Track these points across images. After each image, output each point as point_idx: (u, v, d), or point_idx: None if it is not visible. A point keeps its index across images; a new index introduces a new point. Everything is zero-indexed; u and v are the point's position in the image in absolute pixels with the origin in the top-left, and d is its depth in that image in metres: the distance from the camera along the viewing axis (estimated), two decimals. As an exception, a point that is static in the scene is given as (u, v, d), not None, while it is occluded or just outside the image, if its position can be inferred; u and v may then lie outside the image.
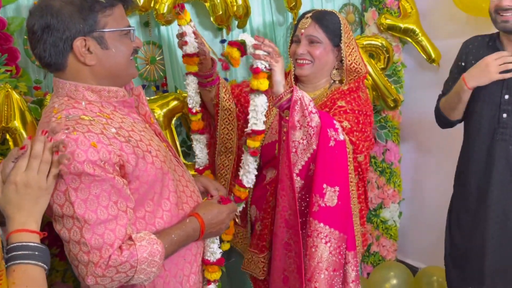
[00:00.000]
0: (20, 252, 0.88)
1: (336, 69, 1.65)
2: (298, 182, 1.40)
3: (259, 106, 1.35)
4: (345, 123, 1.47)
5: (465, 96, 1.77)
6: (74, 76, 1.13)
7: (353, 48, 1.63)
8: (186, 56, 1.54)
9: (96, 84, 1.14)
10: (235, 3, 1.91)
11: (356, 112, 1.52)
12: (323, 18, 1.61)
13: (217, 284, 1.43)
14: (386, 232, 2.80)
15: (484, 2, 2.22)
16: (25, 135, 1.45)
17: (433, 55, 2.55)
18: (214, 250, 1.37)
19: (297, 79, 1.70)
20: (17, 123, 1.44)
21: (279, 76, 1.35)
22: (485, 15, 2.30)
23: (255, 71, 1.34)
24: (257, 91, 1.34)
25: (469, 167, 1.89)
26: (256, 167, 1.43)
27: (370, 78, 2.38)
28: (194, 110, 1.63)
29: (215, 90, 1.66)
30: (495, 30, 1.91)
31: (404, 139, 2.79)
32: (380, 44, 2.43)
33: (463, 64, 1.90)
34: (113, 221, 1.06)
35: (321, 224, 1.40)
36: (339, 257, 1.44)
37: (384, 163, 2.71)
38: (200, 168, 1.69)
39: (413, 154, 2.81)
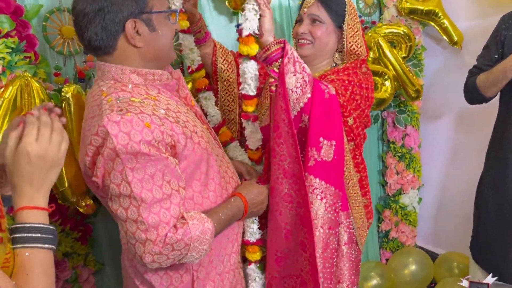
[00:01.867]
0: (28, 235, 0.84)
1: (339, 52, 1.59)
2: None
3: (248, 72, 1.34)
4: (330, 86, 1.40)
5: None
6: (121, 59, 1.15)
7: (356, 31, 1.57)
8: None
9: (141, 67, 1.17)
10: (250, -14, 1.89)
11: (346, 82, 1.46)
12: None
13: (258, 265, 1.45)
14: (405, 218, 2.77)
15: (508, -19, 2.15)
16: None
17: (455, 38, 2.48)
18: (254, 230, 1.40)
19: None
20: (37, 110, 1.46)
21: (268, 24, 1.29)
22: (509, -5, 2.23)
23: (240, 33, 1.32)
24: (247, 56, 1.33)
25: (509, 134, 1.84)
26: (258, 128, 1.42)
27: (391, 68, 2.33)
28: (195, 67, 1.59)
29: (211, 56, 1.63)
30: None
31: (424, 123, 2.74)
32: (402, 32, 2.36)
33: (502, 38, 1.86)
34: (168, 200, 1.09)
35: (317, 179, 1.34)
36: (335, 214, 1.39)
37: (404, 148, 2.67)
38: (216, 126, 1.63)
39: (434, 138, 2.76)
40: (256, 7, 1.29)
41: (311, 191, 1.35)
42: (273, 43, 1.28)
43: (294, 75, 1.27)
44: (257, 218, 1.40)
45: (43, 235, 0.85)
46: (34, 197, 0.85)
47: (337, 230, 1.42)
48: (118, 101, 1.09)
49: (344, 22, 1.54)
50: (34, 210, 0.85)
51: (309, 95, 1.30)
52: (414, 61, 2.55)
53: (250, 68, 1.34)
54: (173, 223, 1.09)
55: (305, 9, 1.57)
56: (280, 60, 1.27)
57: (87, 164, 1.12)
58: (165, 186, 1.08)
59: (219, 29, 2.03)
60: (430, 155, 2.79)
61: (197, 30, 1.61)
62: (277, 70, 1.27)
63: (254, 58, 1.34)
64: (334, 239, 1.41)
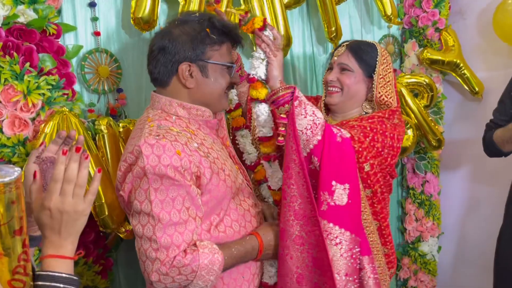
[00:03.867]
0: (51, 284, 0.84)
1: (369, 101, 1.58)
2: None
3: (261, 114, 1.40)
4: (344, 131, 1.38)
5: None
6: (173, 94, 1.29)
7: (388, 81, 1.55)
8: None
9: (191, 103, 1.28)
10: (278, 34, 1.97)
11: (368, 128, 1.44)
12: (358, 48, 1.57)
13: None
14: (424, 267, 2.72)
15: (528, 35, 2.21)
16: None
17: (476, 88, 2.52)
18: (272, 273, 1.39)
19: (328, 109, 1.66)
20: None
21: (275, 71, 1.36)
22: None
23: (250, 80, 1.39)
24: (257, 100, 1.38)
25: None
26: (279, 168, 1.44)
27: (413, 117, 2.35)
28: (232, 106, 1.63)
29: (246, 95, 1.66)
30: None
31: (444, 171, 2.74)
32: (424, 82, 2.40)
33: None
34: (183, 225, 1.14)
35: (331, 224, 1.31)
36: (352, 260, 1.33)
37: (423, 195, 2.66)
38: (252, 164, 1.63)
39: (453, 186, 2.74)
40: (262, 56, 1.37)
41: (325, 236, 1.30)
42: (280, 88, 1.33)
43: (305, 117, 1.30)
44: (275, 261, 1.39)
45: (66, 286, 0.85)
46: (62, 246, 0.86)
47: (355, 277, 1.35)
48: (158, 128, 1.19)
49: (375, 72, 1.54)
50: (58, 259, 0.86)
51: (319, 137, 1.31)
52: (434, 109, 2.58)
53: (263, 111, 1.41)
54: (183, 247, 1.14)
55: (335, 58, 1.59)
56: (289, 103, 1.30)
57: (118, 179, 1.21)
58: (184, 212, 1.14)
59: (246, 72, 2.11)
60: (450, 203, 2.76)
61: (236, 69, 1.66)
62: (284, 116, 1.31)
63: (264, 101, 1.40)
64: (352, 286, 1.34)
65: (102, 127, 1.61)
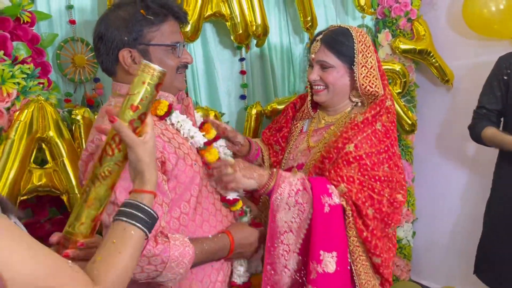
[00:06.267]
0: (129, 210, 0.85)
1: (356, 90, 1.51)
2: (295, 257, 1.37)
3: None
4: (342, 186, 1.37)
5: None
6: (124, 81, 1.22)
7: (370, 67, 1.48)
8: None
9: None
10: (254, 23, 1.99)
11: (364, 156, 1.40)
12: (333, 41, 1.49)
13: None
14: (399, 252, 2.79)
15: (496, 24, 2.29)
16: (60, 144, 1.51)
17: (447, 76, 2.60)
18: (241, 273, 1.37)
19: (317, 104, 1.61)
20: (52, 133, 1.51)
21: (247, 182, 1.32)
22: (497, 36, 2.37)
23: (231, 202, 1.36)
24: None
25: None
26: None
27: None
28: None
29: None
30: (505, 51, 1.99)
31: (418, 158, 2.82)
32: (397, 69, 2.47)
33: (505, 78, 2.00)
34: None
35: None
36: None
37: (398, 181, 2.73)
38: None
39: (427, 173, 2.83)
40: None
41: None
42: (265, 187, 1.33)
43: (289, 210, 1.32)
44: (245, 261, 1.38)
45: (143, 216, 0.86)
46: (155, 185, 0.90)
47: None
48: None
49: (355, 63, 1.48)
50: (150, 195, 0.89)
51: (310, 216, 1.33)
52: (407, 97, 2.66)
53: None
54: (152, 234, 1.10)
55: (313, 55, 1.52)
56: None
57: (81, 168, 1.18)
58: None
59: (223, 62, 2.12)
60: (423, 189, 2.85)
61: (254, 156, 1.65)
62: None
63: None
64: None
65: (79, 117, 1.59)
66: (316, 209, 1.32)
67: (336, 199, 1.35)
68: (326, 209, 1.33)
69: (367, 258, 1.42)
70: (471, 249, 2.24)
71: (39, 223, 1.66)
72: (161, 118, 1.24)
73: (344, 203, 1.35)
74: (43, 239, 0.81)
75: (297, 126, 1.68)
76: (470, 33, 2.46)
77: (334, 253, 1.33)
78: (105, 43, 1.19)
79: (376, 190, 1.39)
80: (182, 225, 1.22)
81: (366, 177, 1.39)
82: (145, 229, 0.85)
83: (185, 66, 1.27)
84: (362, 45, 1.49)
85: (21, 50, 1.52)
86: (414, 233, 2.87)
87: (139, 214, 0.85)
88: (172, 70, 1.23)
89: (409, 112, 2.53)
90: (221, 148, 1.40)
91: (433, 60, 2.58)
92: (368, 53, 1.50)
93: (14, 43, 1.50)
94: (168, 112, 1.23)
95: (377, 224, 1.40)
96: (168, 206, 1.17)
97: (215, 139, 1.37)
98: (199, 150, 1.29)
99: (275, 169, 1.38)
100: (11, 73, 1.47)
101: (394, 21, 2.56)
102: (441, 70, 2.60)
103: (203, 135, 1.32)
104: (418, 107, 2.73)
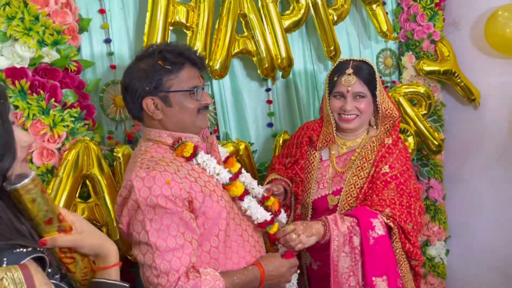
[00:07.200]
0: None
1: (374, 116, 1.76)
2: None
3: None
4: (387, 211, 1.57)
5: None
6: (150, 127, 1.35)
7: (384, 93, 1.72)
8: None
9: (177, 131, 1.34)
10: (279, 56, 2.10)
11: (399, 176, 1.63)
12: (364, 73, 1.68)
13: None
14: (433, 270, 2.80)
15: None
16: (101, 181, 1.68)
17: (473, 95, 2.62)
18: None
19: (337, 129, 1.76)
20: (95, 170, 1.67)
21: (311, 240, 1.50)
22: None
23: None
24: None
25: None
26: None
27: (413, 124, 2.48)
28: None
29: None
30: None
31: (448, 175, 2.83)
32: (421, 91, 2.53)
33: None
34: (180, 249, 1.20)
35: None
36: None
37: (428, 200, 2.75)
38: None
39: (458, 190, 2.83)
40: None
41: None
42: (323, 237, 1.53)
43: (347, 256, 1.54)
44: None
45: None
46: (116, 251, 0.95)
47: None
48: (149, 160, 1.26)
49: (377, 90, 1.69)
50: (117, 266, 0.94)
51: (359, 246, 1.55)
52: (434, 117, 2.69)
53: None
54: (182, 271, 1.18)
55: (349, 88, 1.67)
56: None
57: (117, 212, 1.30)
58: (179, 237, 1.20)
59: (251, 93, 2.24)
60: (456, 207, 2.85)
61: (290, 199, 1.83)
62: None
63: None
64: None
65: (119, 154, 1.74)
66: (364, 243, 1.53)
67: (380, 232, 1.55)
68: (371, 241, 1.54)
69: (407, 261, 1.66)
70: (508, 266, 2.23)
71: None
72: (188, 159, 1.33)
73: (391, 224, 1.57)
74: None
75: (314, 156, 1.79)
76: (494, 52, 2.48)
77: (385, 277, 1.54)
78: (130, 93, 1.31)
79: (412, 207, 1.62)
80: (212, 258, 1.30)
81: (403, 196, 1.62)
82: None
83: (205, 107, 1.38)
84: (376, 74, 1.71)
85: (69, 96, 1.69)
86: (447, 251, 2.87)
87: None
88: (193, 112, 1.33)
89: (435, 133, 2.56)
90: (246, 180, 1.49)
91: (458, 80, 2.61)
92: (380, 82, 1.72)
93: (63, 90, 1.67)
94: (194, 154, 1.33)
95: (415, 234, 1.63)
96: (197, 242, 1.25)
97: (239, 172, 1.46)
98: (224, 186, 1.37)
99: (325, 218, 1.55)
100: (61, 117, 1.64)
101: (417, 43, 2.62)
102: (467, 89, 2.63)
103: (228, 170, 1.39)
104: (446, 125, 2.76)
